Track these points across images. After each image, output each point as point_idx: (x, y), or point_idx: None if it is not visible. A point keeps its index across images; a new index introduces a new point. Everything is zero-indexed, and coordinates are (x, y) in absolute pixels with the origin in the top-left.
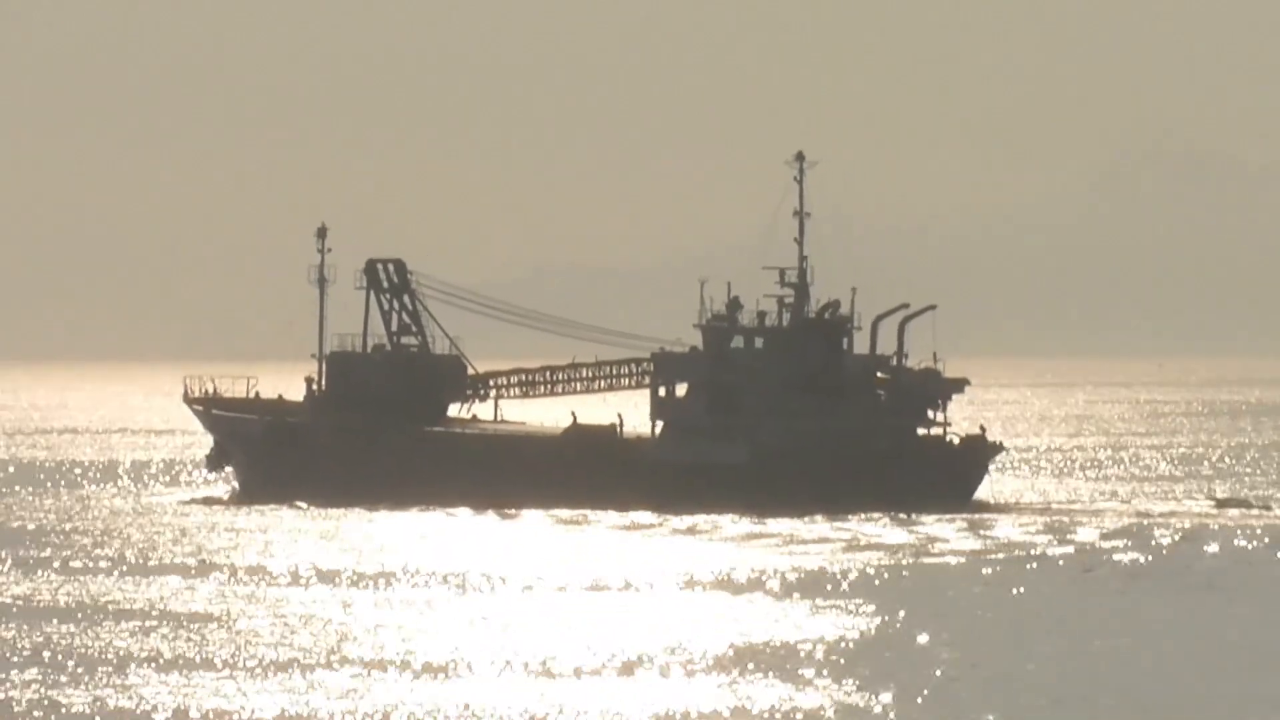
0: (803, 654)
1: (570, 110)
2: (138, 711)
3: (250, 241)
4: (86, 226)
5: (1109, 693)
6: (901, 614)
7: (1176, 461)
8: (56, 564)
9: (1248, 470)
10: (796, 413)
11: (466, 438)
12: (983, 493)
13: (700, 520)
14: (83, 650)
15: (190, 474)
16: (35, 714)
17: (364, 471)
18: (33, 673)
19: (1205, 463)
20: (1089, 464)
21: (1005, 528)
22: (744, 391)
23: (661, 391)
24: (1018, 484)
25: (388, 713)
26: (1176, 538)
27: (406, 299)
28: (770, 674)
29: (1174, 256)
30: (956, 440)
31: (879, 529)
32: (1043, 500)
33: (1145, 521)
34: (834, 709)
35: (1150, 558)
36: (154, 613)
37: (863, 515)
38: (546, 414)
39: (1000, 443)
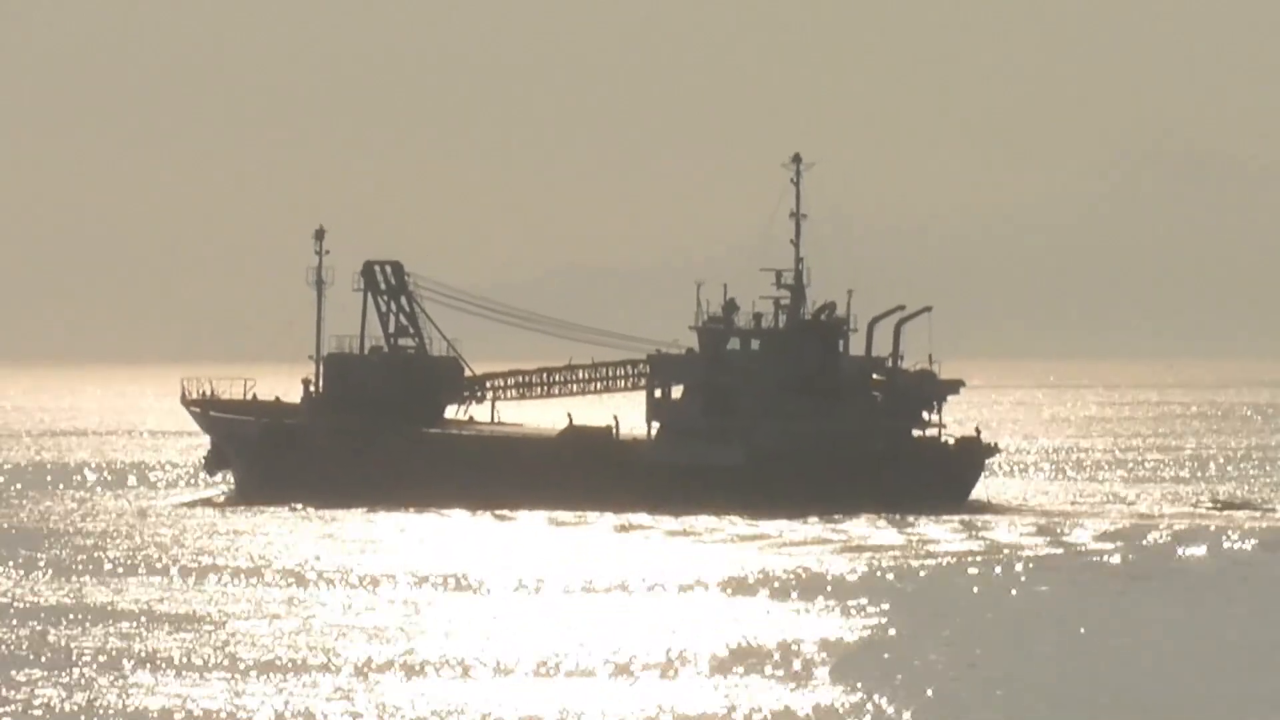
0: (800, 655)
1: (568, 111)
2: (137, 712)
3: (249, 243)
4: (85, 227)
5: (1109, 693)
6: (899, 614)
7: (1180, 464)
8: (56, 565)
9: (1255, 472)
10: (792, 414)
11: (463, 439)
12: (978, 493)
13: (696, 521)
14: (81, 651)
15: (190, 475)
16: (35, 714)
17: (361, 473)
18: (33, 673)
19: (1212, 464)
20: (1089, 464)
21: (1001, 528)
22: (740, 393)
23: (658, 393)
24: (1017, 485)
25: (386, 714)
26: (1176, 538)
27: (404, 301)
28: (767, 675)
29: (1174, 257)
30: (952, 441)
31: (875, 530)
32: (1041, 501)
33: (1145, 522)
34: (832, 710)
35: (1150, 558)
36: (152, 614)
37: (859, 516)
38: (543, 415)
39: (995, 444)
